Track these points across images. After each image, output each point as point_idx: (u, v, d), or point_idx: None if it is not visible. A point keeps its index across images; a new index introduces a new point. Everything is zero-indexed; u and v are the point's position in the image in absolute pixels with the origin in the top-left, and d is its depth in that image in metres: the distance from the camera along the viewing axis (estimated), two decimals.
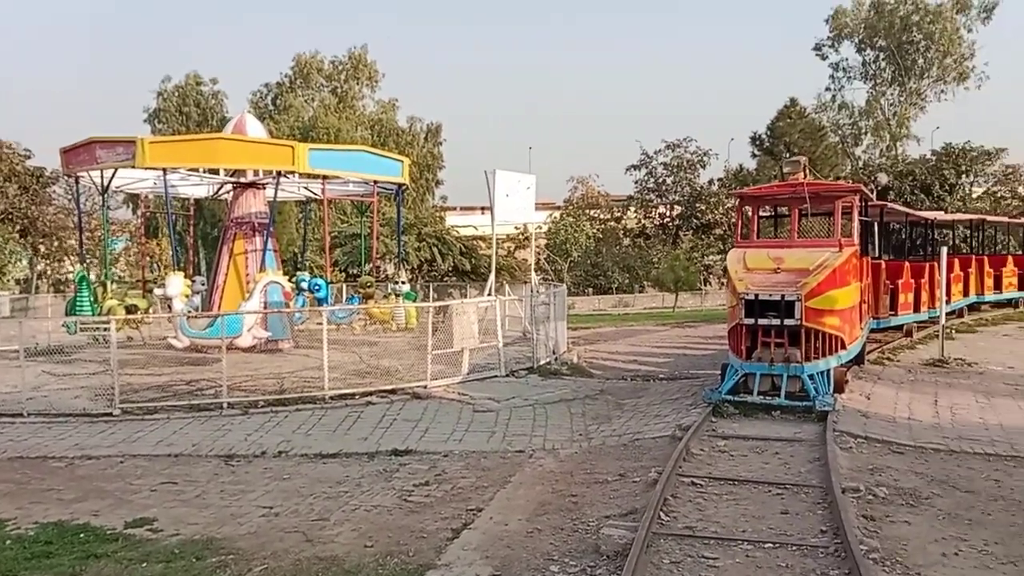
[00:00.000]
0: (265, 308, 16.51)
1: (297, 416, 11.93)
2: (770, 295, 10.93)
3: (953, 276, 22.57)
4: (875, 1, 62.56)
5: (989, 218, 30.50)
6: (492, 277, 18.58)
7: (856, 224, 12.73)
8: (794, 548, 6.21)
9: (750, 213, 13.30)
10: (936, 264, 21.42)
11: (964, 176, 54.54)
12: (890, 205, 18.90)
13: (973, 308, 26.47)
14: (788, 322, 10.84)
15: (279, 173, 17.63)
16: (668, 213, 55.61)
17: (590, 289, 52.11)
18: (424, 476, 8.89)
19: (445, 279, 42.46)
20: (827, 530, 6.52)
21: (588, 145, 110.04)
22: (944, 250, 16.54)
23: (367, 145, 42.98)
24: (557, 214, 55.65)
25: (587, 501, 7.81)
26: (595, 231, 55.27)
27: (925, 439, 9.85)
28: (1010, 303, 27.39)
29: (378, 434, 10.83)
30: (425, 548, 6.72)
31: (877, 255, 17.44)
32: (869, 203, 16.24)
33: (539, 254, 53.93)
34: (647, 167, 55.08)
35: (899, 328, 19.41)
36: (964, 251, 27.20)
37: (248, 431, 11.11)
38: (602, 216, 59.11)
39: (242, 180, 19.26)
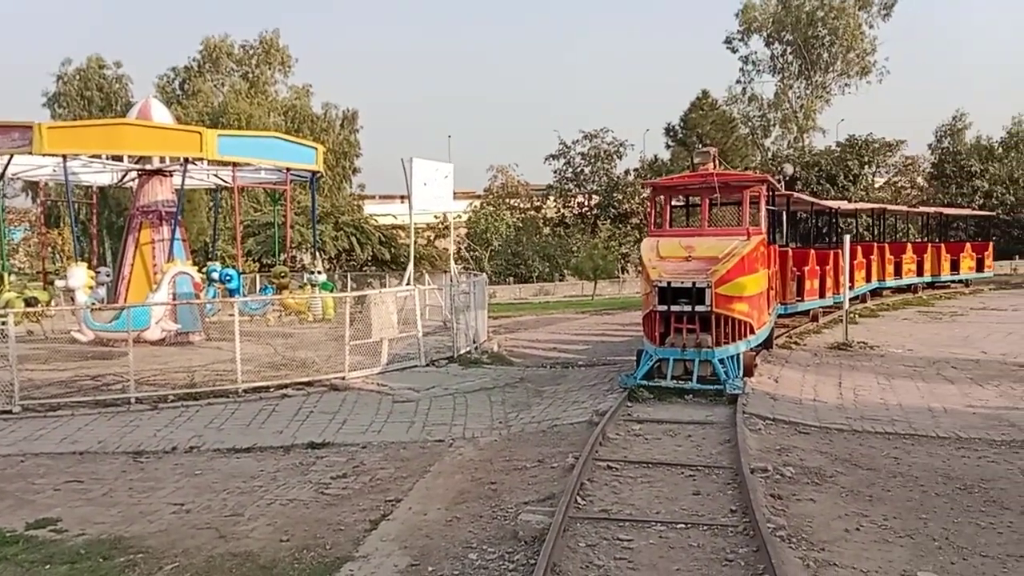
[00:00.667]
0: (174, 299, 15.98)
1: (209, 410, 11.62)
2: (682, 282, 11.20)
3: (856, 263, 23.56)
4: None
5: (890, 207, 31.96)
6: (411, 266, 18.45)
7: (764, 213, 13.15)
8: (705, 528, 6.40)
9: (663, 203, 13.59)
10: (840, 252, 22.38)
11: (867, 167, 56.99)
12: (796, 195, 19.59)
13: (876, 293, 27.71)
14: (699, 308, 11.13)
15: (186, 160, 17.04)
16: (587, 203, 56.28)
17: (511, 278, 52.28)
18: (342, 468, 8.79)
19: (364, 269, 41.98)
20: (736, 510, 6.74)
21: (508, 134, 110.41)
22: (847, 238, 17.26)
23: (280, 132, 41.98)
24: (478, 203, 55.63)
25: (506, 488, 7.86)
26: (515, 220, 55.48)
27: (829, 420, 10.27)
28: (909, 288, 28.79)
29: (294, 427, 10.64)
30: (342, 541, 6.65)
31: (784, 243, 18.07)
32: (776, 193, 16.78)
33: (459, 243, 53.87)
34: (565, 157, 55.62)
35: (806, 313, 20.17)
36: (868, 239, 28.44)
37: (157, 427, 10.75)
38: (522, 205, 59.37)
39: (148, 167, 18.55)
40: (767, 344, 15.18)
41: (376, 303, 14.24)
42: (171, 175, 18.83)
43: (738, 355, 11.75)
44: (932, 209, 34.56)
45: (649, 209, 13.60)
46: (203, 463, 9.22)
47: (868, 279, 25.16)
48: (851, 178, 54.36)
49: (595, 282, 44.78)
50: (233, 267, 18.55)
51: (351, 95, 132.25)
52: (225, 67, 63.48)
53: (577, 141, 55.06)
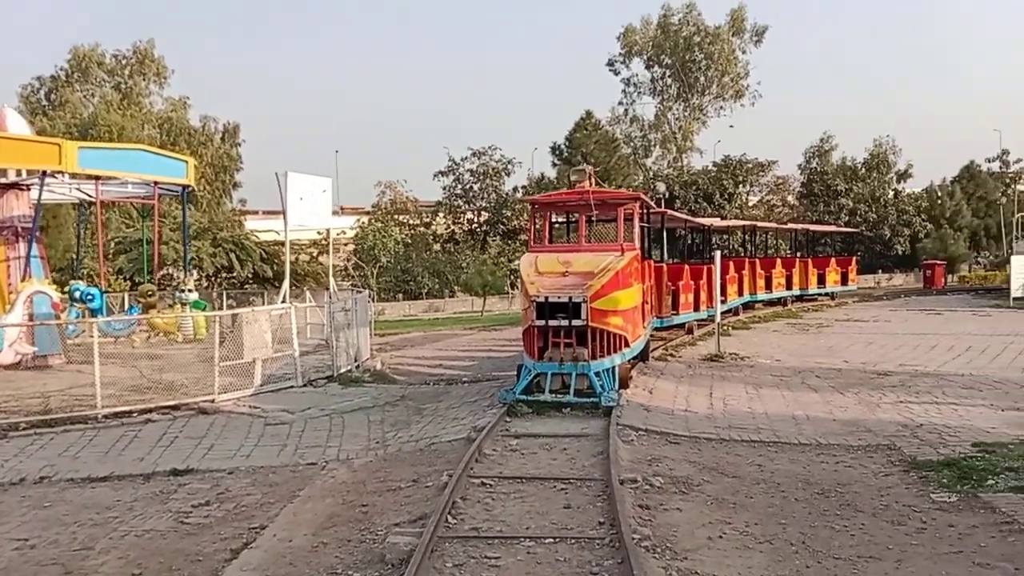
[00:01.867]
0: (31, 320, 14.97)
1: (64, 438, 10.88)
2: (559, 297, 11.32)
3: (729, 277, 24.55)
4: (661, 21, 66.92)
5: (760, 224, 33.51)
6: (286, 283, 17.95)
7: (637, 229, 13.49)
8: (573, 541, 6.41)
9: (542, 219, 13.74)
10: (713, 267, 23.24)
11: (741, 186, 59.63)
12: (670, 212, 20.28)
13: (748, 307, 28.93)
14: (576, 323, 11.27)
15: (44, 173, 16.04)
16: (476, 219, 56.47)
17: (400, 295, 51.76)
18: (205, 496, 8.37)
19: (245, 286, 40.66)
20: (604, 522, 6.79)
21: (398, 150, 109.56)
22: (718, 254, 17.96)
23: (155, 145, 40.13)
24: (366, 219, 54.92)
25: (377, 510, 7.67)
26: (403, 236, 55.04)
27: (699, 429, 10.57)
28: (780, 301, 30.20)
29: (156, 453, 10.09)
30: (200, 572, 6.31)
31: (660, 258, 18.60)
32: (651, 210, 17.29)
33: (348, 260, 52.96)
34: (455, 174, 55.67)
35: (682, 326, 20.82)
36: (741, 255, 29.70)
37: (5, 457, 9.97)
38: (411, 222, 58.99)
39: (2, 181, 17.37)
40: (643, 356, 15.54)
41: (248, 322, 13.76)
42: (28, 189, 17.69)
43: (614, 368, 11.96)
44: (800, 226, 36.49)
45: (529, 225, 13.72)
46: (54, 494, 8.60)
47: (740, 293, 26.24)
48: (726, 197, 56.69)
49: (484, 298, 44.90)
50: (96, 286, 17.55)
51: (233, 109, 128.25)
52: (96, 77, 60.42)
53: (466, 158, 55.27)
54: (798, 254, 33.57)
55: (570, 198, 13.55)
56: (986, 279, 49.77)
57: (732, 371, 15.76)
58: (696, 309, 20.54)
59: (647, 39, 67.99)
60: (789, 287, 30.51)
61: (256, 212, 65.37)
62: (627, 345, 12.43)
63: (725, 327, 23.21)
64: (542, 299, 11.35)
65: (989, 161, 64.93)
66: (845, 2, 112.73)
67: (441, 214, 57.81)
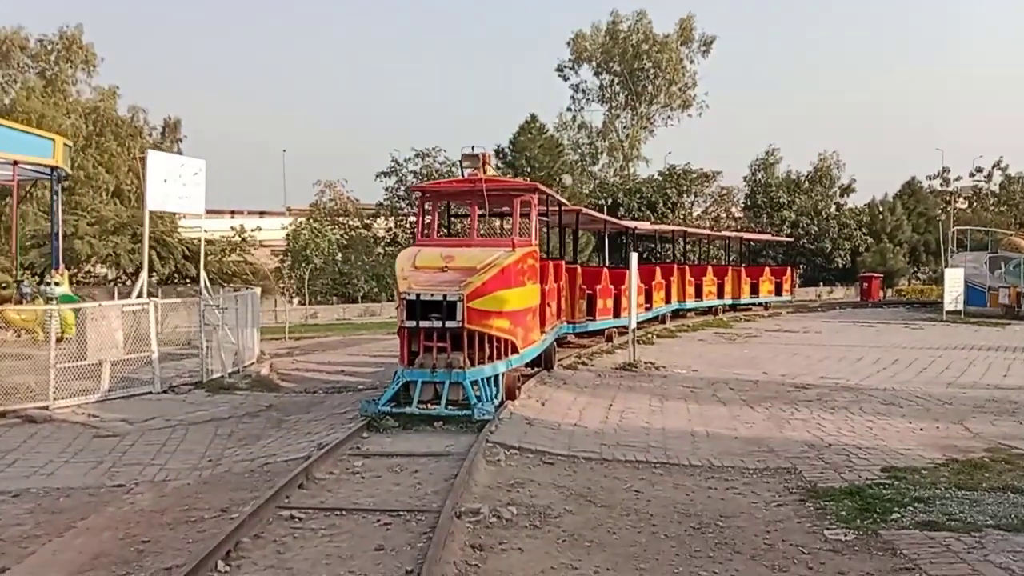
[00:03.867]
0: None
1: None
2: (432, 295, 9.95)
3: (655, 284, 23.52)
4: (610, 28, 66.33)
5: (691, 230, 32.59)
6: (143, 276, 16.30)
7: (535, 224, 12.22)
8: None
9: (431, 210, 12.40)
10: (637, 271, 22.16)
11: (685, 195, 59.15)
12: (586, 210, 19.07)
13: (679, 315, 27.99)
14: (450, 324, 9.93)
15: None
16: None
17: (335, 297, 49.98)
18: None
19: (167, 284, 38.58)
20: (412, 570, 5.46)
21: (346, 153, 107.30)
22: (635, 256, 16.78)
23: (79, 136, 37.84)
24: (302, 219, 52.99)
25: (158, 548, 6.23)
26: (339, 237, 53.17)
27: (582, 447, 9.31)
28: (711, 310, 29.30)
29: None
30: None
31: (573, 259, 17.42)
32: (564, 207, 16.08)
33: (283, 261, 50.95)
34: (398, 175, 54.00)
35: (602, 333, 19.66)
36: (672, 261, 28.74)
37: None
38: (351, 223, 57.15)
39: None
40: (547, 364, 14.31)
41: (94, 318, 12.16)
42: None
43: (497, 376, 10.66)
44: (733, 234, 35.71)
45: (417, 216, 12.37)
46: None
47: (668, 300, 25.24)
48: (669, 206, 56.09)
49: None
50: None
51: (182, 105, 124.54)
52: (18, 62, 57.51)
53: (410, 159, 53.67)
54: (731, 262, 32.76)
55: (461, 187, 12.19)
56: (923, 292, 49.88)
57: (642, 381, 14.60)
58: (616, 315, 19.39)
59: (596, 46, 67.39)
60: (720, 296, 29.62)
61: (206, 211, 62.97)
62: (516, 351, 11.15)
63: (649, 335, 22.19)
64: (413, 297, 9.99)
65: (930, 178, 65.59)
66: (793, 16, 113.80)
67: (383, 216, 56.11)
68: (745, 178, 63.37)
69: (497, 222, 19.93)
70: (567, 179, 57.14)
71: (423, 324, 9.99)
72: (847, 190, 62.98)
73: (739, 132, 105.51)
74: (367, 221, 57.39)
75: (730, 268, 31.07)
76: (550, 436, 9.71)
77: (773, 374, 15.83)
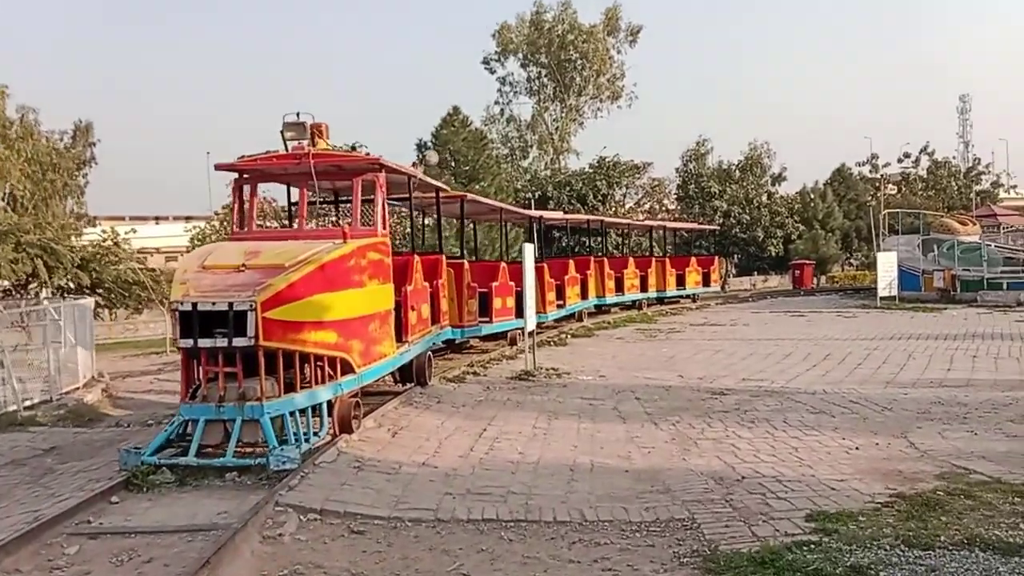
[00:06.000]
0: None
1: None
2: (213, 304, 7.44)
3: (568, 279, 21.36)
4: (535, 19, 64.34)
5: (608, 219, 30.54)
6: None
7: (382, 209, 9.79)
8: None
9: (248, 194, 9.90)
10: (546, 265, 19.96)
11: (616, 187, 57.43)
12: (474, 197, 16.68)
13: (604, 310, 25.95)
14: (239, 342, 7.43)
15: None
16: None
17: None
18: None
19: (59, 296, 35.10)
20: None
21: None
22: (530, 248, 14.44)
23: None
24: (203, 224, 49.65)
25: None
26: None
27: (415, 502, 6.93)
28: (634, 305, 27.29)
29: None
30: None
31: (460, 254, 15.10)
32: (443, 193, 13.74)
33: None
34: None
35: (505, 335, 17.41)
36: (599, 253, 26.62)
37: None
38: (267, 225, 53.89)
39: None
40: (420, 380, 11.93)
41: None
42: None
43: (321, 406, 8.24)
44: (655, 223, 33.83)
45: (233, 203, 9.85)
46: None
47: (584, 296, 23.10)
48: (600, 198, 54.32)
49: None
50: None
51: (97, 107, 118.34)
52: None
53: None
54: (659, 254, 30.81)
55: (283, 164, 9.67)
56: (855, 279, 49.03)
57: (536, 394, 12.32)
58: (519, 315, 17.09)
59: (522, 37, 65.46)
60: (644, 289, 27.60)
61: (123, 218, 59.28)
62: (351, 371, 8.74)
63: (563, 336, 20.02)
64: (187, 307, 7.47)
65: (860, 165, 65.10)
66: (720, 5, 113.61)
67: None
68: (677, 169, 62.06)
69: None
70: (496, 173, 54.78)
71: (203, 343, 7.47)
72: (778, 179, 62.00)
73: (671, 124, 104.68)
74: (284, 222, 54.35)
75: (654, 259, 29.08)
76: (379, 486, 7.30)
77: (690, 377, 13.73)
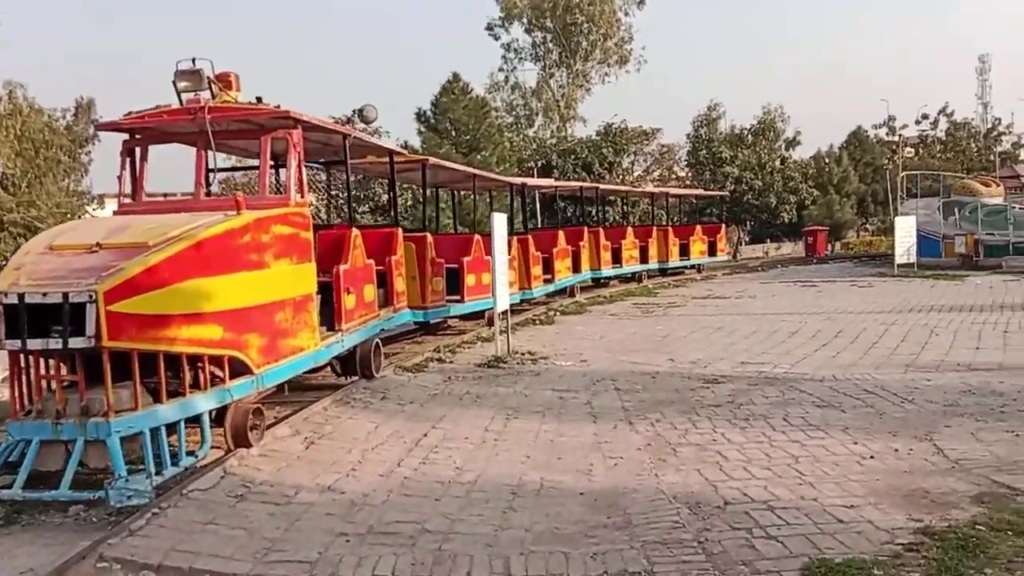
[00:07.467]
0: None
1: None
2: (44, 295, 5.87)
3: (557, 251, 19.68)
4: None
5: (604, 186, 28.68)
6: None
7: (296, 173, 8.14)
8: None
9: (139, 158, 8.30)
10: (531, 237, 18.34)
11: (623, 155, 55.47)
12: (435, 160, 14.92)
13: (602, 283, 24.38)
14: (76, 342, 5.86)
15: None
16: (339, 195, 50.54)
17: None
18: None
19: None
20: None
21: None
22: (500, 218, 12.71)
23: None
24: None
25: None
26: None
27: (291, 551, 5.32)
28: (633, 277, 25.61)
29: None
30: None
31: (422, 226, 13.47)
32: (398, 157, 12.07)
33: None
34: None
35: (482, 315, 15.83)
36: (593, 223, 24.86)
37: None
38: None
39: None
40: (365, 372, 10.36)
41: None
42: None
43: (202, 417, 6.68)
44: (657, 189, 31.94)
45: (120, 169, 8.24)
46: None
47: (577, 269, 21.42)
48: (606, 166, 52.43)
49: None
50: None
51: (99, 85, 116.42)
52: None
53: None
54: (657, 222, 28.98)
55: (176, 121, 8.02)
56: (871, 244, 47.02)
57: (503, 385, 10.71)
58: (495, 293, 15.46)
59: (526, 2, 63.32)
60: (644, 260, 25.83)
61: (161, 195, 58.03)
62: (246, 371, 7.15)
63: (551, 313, 18.40)
64: (13, 299, 5.90)
65: (876, 127, 62.71)
66: None
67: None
68: (688, 135, 59.95)
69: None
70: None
71: (32, 344, 5.92)
72: (792, 143, 59.76)
73: (681, 89, 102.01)
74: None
75: (655, 229, 27.25)
76: (254, 525, 5.73)
77: (682, 361, 12.10)
